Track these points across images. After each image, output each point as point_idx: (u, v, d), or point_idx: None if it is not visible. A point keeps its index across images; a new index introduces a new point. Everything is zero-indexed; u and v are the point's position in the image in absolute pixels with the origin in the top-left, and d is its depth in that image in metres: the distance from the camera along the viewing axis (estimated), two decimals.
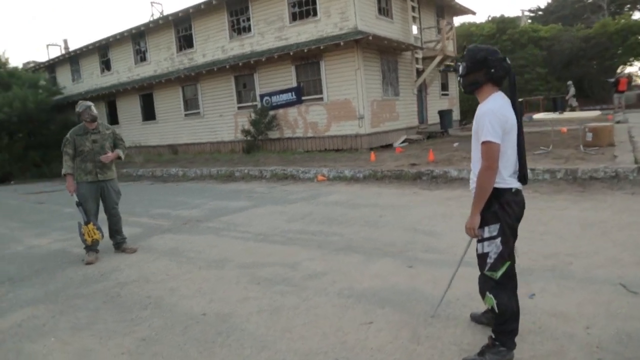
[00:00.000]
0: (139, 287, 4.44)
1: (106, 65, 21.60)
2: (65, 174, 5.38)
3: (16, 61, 46.74)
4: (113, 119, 21.41)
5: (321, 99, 14.38)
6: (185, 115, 18.66)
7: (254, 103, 15.85)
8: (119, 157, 5.59)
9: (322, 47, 13.36)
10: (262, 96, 15.76)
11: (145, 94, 19.87)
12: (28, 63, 26.02)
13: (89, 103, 5.44)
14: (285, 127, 15.44)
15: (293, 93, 14.91)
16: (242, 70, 16.06)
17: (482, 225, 2.48)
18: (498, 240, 2.46)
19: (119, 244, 5.69)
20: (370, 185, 9.13)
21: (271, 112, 15.44)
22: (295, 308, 3.59)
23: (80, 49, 21.72)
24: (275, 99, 15.43)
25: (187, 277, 4.59)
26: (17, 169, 18.61)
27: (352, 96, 13.66)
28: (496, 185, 2.46)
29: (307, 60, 14.33)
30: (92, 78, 22.24)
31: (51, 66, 24.28)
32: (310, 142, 14.95)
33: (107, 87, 20.83)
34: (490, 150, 2.37)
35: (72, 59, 22.92)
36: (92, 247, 5.44)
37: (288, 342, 3.04)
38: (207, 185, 11.67)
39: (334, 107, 14.15)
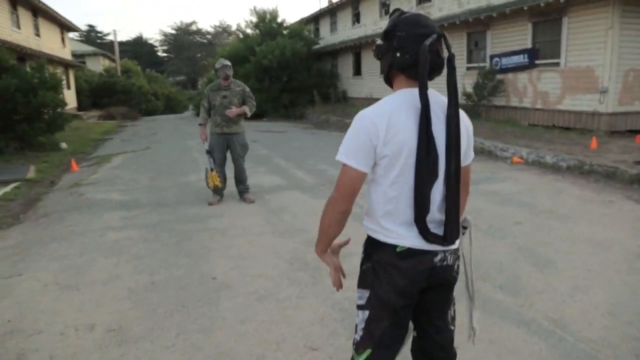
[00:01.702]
0: (215, 236, 4.72)
1: (357, 18, 22.60)
2: (200, 124, 6.02)
3: (295, 17, 53.86)
4: (357, 70, 22.55)
5: (557, 64, 11.86)
6: None
7: (482, 64, 14.26)
8: (244, 114, 5.88)
9: (565, 0, 10.85)
10: (492, 57, 14.00)
11: None
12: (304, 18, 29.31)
13: (226, 62, 5.80)
14: (512, 94, 13.48)
15: (525, 55, 12.72)
16: (475, 27, 14.49)
17: (358, 284, 1.69)
18: (364, 313, 1.64)
19: (241, 192, 6.13)
20: (564, 179, 7.28)
21: (498, 76, 13.63)
22: None
23: (339, 2, 23.21)
24: (505, 61, 13.50)
25: (247, 240, 4.66)
26: (271, 108, 21.69)
27: (596, 63, 10.82)
28: (370, 233, 1.63)
29: (547, 16, 11.90)
30: (345, 30, 23.64)
31: (316, 18, 26.80)
32: (538, 114, 12.70)
33: (355, 39, 21.84)
34: (342, 175, 1.57)
35: (332, 11, 24.72)
36: (216, 191, 6.01)
37: None
38: None
39: (571, 76, 11.52)
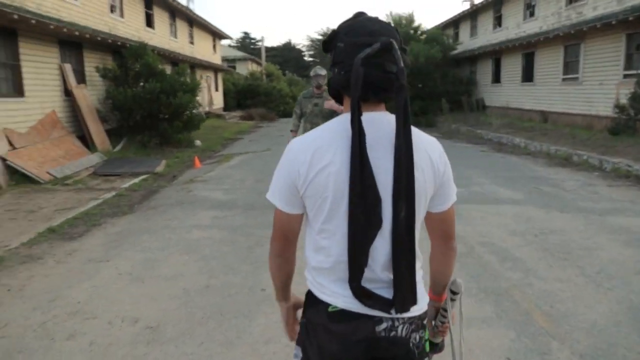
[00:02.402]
0: None
1: (498, 21, 21.03)
2: (291, 130, 6.07)
3: (432, 22, 51.40)
4: (496, 77, 21.03)
5: None
6: (563, 79, 16.27)
7: None
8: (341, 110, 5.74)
9: None
10: None
11: (527, 53, 18.38)
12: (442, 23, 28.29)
13: (320, 72, 5.75)
14: None
15: None
16: (636, 27, 12.44)
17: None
18: None
19: None
20: None
21: None
22: None
23: (481, 3, 21.86)
24: None
25: None
26: None
27: None
28: (308, 284, 1.35)
29: None
30: (485, 34, 22.18)
31: (455, 22, 25.60)
32: None
33: (495, 43, 20.37)
34: (274, 216, 1.34)
35: (472, 14, 23.38)
36: None
37: None
38: (528, 164, 10.21)
39: None
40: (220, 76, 28.05)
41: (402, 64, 1.17)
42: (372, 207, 1.19)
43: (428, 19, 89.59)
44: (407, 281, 1.23)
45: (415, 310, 1.29)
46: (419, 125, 16.88)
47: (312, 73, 5.82)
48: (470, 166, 9.85)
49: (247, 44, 60.27)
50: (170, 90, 12.01)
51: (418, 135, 1.27)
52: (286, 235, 1.33)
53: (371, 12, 1.33)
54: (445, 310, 1.46)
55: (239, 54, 39.04)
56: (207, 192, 7.44)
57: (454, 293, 1.42)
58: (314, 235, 1.30)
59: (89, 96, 11.57)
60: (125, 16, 14.61)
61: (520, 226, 5.42)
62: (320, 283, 1.31)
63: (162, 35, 17.78)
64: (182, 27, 21.00)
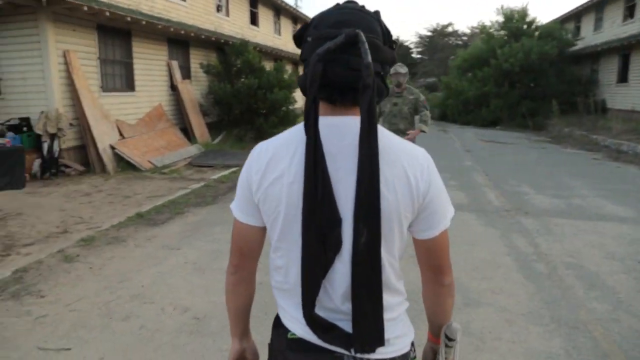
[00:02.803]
0: None
1: (629, 12, 18.66)
2: None
3: (547, 16, 46.51)
4: (622, 76, 18.75)
5: None
6: None
7: None
8: (422, 131, 5.48)
9: None
10: None
11: None
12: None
13: (401, 69, 5.49)
14: None
15: None
16: None
17: None
18: None
19: None
20: None
21: None
22: None
23: None
24: None
25: None
26: (507, 115, 19.91)
27: None
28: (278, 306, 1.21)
29: None
30: (612, 27, 19.82)
31: (577, 15, 23.23)
32: None
33: (624, 37, 18.14)
34: (232, 228, 1.22)
35: (598, 5, 21.00)
36: None
37: None
38: None
39: None
40: None
41: (368, 59, 0.96)
42: (329, 228, 1.02)
43: (545, 12, 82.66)
44: (370, 316, 1.04)
45: (387, 353, 1.11)
46: (526, 128, 15.66)
47: (391, 71, 5.58)
48: (576, 175, 8.88)
49: None
50: (267, 86, 12.41)
51: (396, 146, 1.07)
52: (241, 249, 1.21)
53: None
54: (437, 355, 1.25)
55: None
56: None
57: (449, 339, 1.21)
58: (271, 252, 1.17)
59: (192, 91, 12.37)
60: (230, 15, 15.39)
61: (622, 249, 4.72)
62: (281, 305, 1.19)
63: (265, 33, 18.47)
64: (286, 24, 21.64)
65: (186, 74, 12.52)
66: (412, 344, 1.18)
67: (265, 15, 18.73)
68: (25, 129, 8.18)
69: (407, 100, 5.51)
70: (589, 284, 3.85)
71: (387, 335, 1.09)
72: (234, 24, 15.57)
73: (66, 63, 8.37)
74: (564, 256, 4.49)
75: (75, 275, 4.16)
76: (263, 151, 1.11)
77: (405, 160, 1.05)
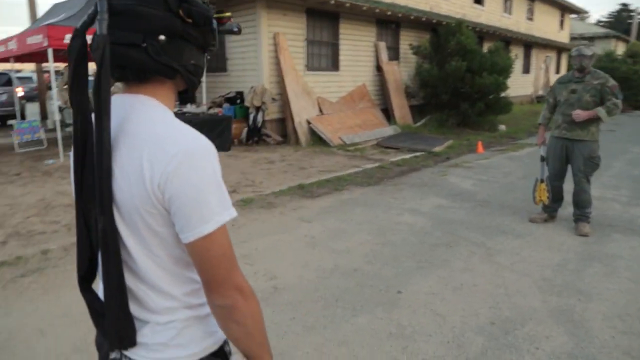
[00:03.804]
0: (479, 255, 4.04)
1: None
2: (539, 124, 4.89)
3: None
4: None
5: None
6: None
7: None
8: (598, 118, 4.30)
9: None
10: None
11: None
12: None
13: (585, 51, 4.33)
14: None
15: None
16: None
17: None
18: None
19: (575, 218, 4.68)
20: None
21: None
22: None
23: None
24: None
25: (499, 278, 3.66)
26: None
27: None
28: None
29: None
30: None
31: None
32: None
33: None
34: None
35: None
36: (545, 207, 4.86)
37: None
38: None
39: None
40: (564, 57, 24.85)
41: (101, 31, 0.85)
42: (88, 212, 0.95)
43: None
44: (113, 309, 0.93)
45: (148, 358, 0.96)
46: None
47: (573, 52, 4.49)
48: None
49: (623, 18, 50.92)
50: (477, 69, 11.52)
51: (147, 132, 0.89)
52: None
53: None
54: None
55: (600, 30, 33.37)
56: (459, 179, 6.93)
57: None
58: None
59: (397, 72, 12.35)
60: None
61: None
62: None
63: (491, 12, 16.99)
64: (519, 2, 19.46)
65: (394, 55, 12.55)
66: None
67: None
68: (238, 101, 9.53)
69: (589, 86, 4.35)
70: None
71: (148, 339, 0.98)
72: (454, 3, 14.80)
73: (275, 44, 9.35)
74: None
75: None
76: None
77: (148, 147, 0.88)
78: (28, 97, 12.90)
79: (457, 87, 11.81)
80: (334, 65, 10.92)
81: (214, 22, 0.98)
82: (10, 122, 8.85)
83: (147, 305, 0.96)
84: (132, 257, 0.94)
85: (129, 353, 0.98)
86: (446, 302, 3.17)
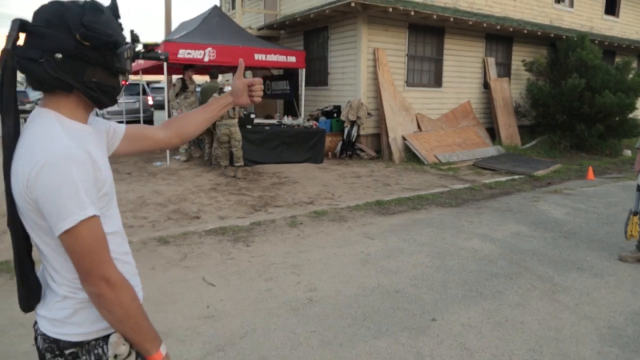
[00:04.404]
0: (548, 297, 3.75)
1: None
2: (637, 148, 4.32)
3: None
4: None
5: None
6: None
7: None
8: None
9: None
10: None
11: None
12: None
13: None
14: None
15: None
16: None
17: None
18: None
19: None
20: None
21: None
22: None
23: None
24: None
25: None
26: None
27: None
28: None
29: None
30: None
31: None
32: None
33: None
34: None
35: None
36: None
37: None
38: None
39: None
40: None
41: (7, 46, 1.06)
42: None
43: None
44: (20, 280, 1.16)
45: (49, 330, 1.15)
46: None
47: None
48: None
49: None
50: (599, 87, 10.43)
51: (30, 140, 1.08)
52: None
53: None
54: None
55: None
56: (551, 207, 6.35)
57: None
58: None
59: (507, 90, 11.66)
60: (575, 5, 13.37)
61: None
62: None
63: (627, 23, 15.11)
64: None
65: (505, 71, 11.89)
66: (80, 345, 1.13)
67: (629, 1, 15.22)
68: (335, 114, 9.78)
69: None
70: None
71: (52, 314, 1.16)
72: (579, 16, 13.50)
73: (374, 59, 9.45)
74: None
75: (282, 237, 4.93)
76: None
77: (26, 154, 1.06)
78: (157, 105, 14.64)
79: (573, 107, 10.81)
80: (437, 82, 10.69)
81: (122, 47, 1.13)
82: None
83: (51, 282, 1.15)
84: (34, 241, 1.12)
85: (39, 326, 1.17)
86: (481, 336, 2.98)
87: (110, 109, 13.95)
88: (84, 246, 1.04)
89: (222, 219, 5.53)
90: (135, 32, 1.21)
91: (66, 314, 1.14)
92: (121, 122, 9.06)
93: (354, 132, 9.52)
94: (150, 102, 13.90)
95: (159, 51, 1.26)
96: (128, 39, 1.21)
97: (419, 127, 10.26)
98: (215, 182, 7.41)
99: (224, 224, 5.35)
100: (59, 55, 1.06)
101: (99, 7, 1.12)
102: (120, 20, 1.19)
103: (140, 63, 9.05)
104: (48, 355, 1.15)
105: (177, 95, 8.64)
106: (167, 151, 8.67)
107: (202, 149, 8.96)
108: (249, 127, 8.45)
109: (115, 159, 6.72)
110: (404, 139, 9.69)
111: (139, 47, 1.25)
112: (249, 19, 13.84)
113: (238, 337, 2.88)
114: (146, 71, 10.75)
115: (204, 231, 5.08)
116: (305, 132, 9.01)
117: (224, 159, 7.73)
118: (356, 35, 9.35)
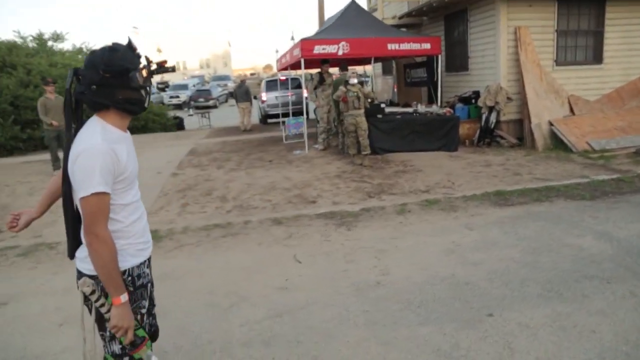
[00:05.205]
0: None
1: None
2: None
3: None
4: None
5: None
6: None
7: None
8: None
9: None
10: None
11: None
12: None
13: None
14: None
15: None
16: None
17: None
18: None
19: None
20: None
21: None
22: None
23: None
24: None
25: None
26: None
27: None
28: None
29: None
30: None
31: None
32: None
33: None
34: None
35: None
36: None
37: None
38: None
39: None
40: None
41: (67, 85, 1.66)
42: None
43: None
44: (68, 236, 1.76)
45: (80, 266, 1.76)
46: None
47: None
48: None
49: None
50: None
51: (79, 137, 1.66)
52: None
53: None
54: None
55: None
56: None
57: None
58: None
59: None
60: None
61: None
62: None
63: None
64: None
65: None
66: (94, 277, 1.70)
67: None
68: (473, 100, 9.42)
69: None
70: None
71: (78, 253, 1.76)
72: None
73: (516, 39, 8.81)
74: None
75: (384, 224, 5.20)
76: None
77: (76, 143, 1.65)
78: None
79: None
80: (596, 58, 9.45)
81: (133, 72, 1.65)
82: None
83: (82, 233, 1.70)
84: (76, 204, 1.70)
85: (76, 264, 1.76)
86: (533, 338, 2.88)
87: (269, 102, 15.52)
88: (89, 210, 1.59)
89: (335, 204, 6.00)
90: (147, 56, 1.73)
91: (85, 254, 1.70)
92: (286, 114, 10.35)
93: (493, 119, 9.06)
94: (305, 94, 14.97)
95: (167, 65, 1.78)
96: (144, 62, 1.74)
97: (571, 110, 9.27)
98: (342, 169, 7.92)
99: (335, 208, 5.82)
100: (94, 87, 1.63)
101: (114, 47, 1.66)
102: (138, 51, 1.71)
103: (287, 59, 10.00)
104: (79, 283, 1.73)
105: (315, 88, 9.36)
106: (306, 140, 9.47)
107: (338, 138, 9.56)
108: (380, 116, 8.74)
109: (262, 148, 7.88)
110: (550, 124, 8.88)
111: (154, 67, 1.76)
112: (394, 8, 13.93)
113: (298, 308, 3.33)
114: (293, 67, 11.77)
115: (315, 215, 5.63)
116: (437, 120, 8.92)
117: (352, 148, 8.18)
118: (495, 15, 8.83)
